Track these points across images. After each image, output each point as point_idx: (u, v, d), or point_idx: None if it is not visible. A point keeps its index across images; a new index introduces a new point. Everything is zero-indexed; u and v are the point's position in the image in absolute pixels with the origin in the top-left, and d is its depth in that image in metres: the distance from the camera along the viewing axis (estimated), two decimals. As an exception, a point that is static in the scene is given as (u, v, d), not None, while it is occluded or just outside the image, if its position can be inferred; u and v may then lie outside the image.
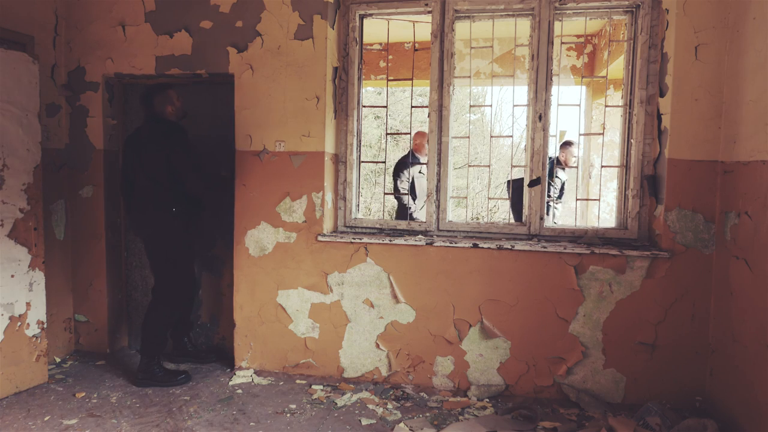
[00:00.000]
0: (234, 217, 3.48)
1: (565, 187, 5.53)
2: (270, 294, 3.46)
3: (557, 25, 3.27)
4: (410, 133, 3.89)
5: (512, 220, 3.47)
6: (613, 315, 3.07)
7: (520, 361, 3.19)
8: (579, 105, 3.50)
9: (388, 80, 3.74)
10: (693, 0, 2.90)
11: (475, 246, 3.19)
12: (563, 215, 5.75)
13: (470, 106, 4.32)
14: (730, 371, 2.76)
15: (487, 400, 3.13)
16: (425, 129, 4.71)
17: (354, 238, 3.32)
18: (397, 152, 11.40)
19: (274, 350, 3.47)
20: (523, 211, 3.37)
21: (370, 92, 11.92)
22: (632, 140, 3.19)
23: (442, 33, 3.35)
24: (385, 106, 3.56)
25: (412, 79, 3.66)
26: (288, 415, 2.90)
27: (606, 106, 3.57)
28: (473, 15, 3.38)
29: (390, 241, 3.28)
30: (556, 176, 5.27)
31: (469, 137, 3.88)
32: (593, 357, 3.11)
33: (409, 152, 5.10)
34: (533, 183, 3.29)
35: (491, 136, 7.53)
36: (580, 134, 3.96)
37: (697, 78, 2.93)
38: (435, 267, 3.26)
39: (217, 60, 3.46)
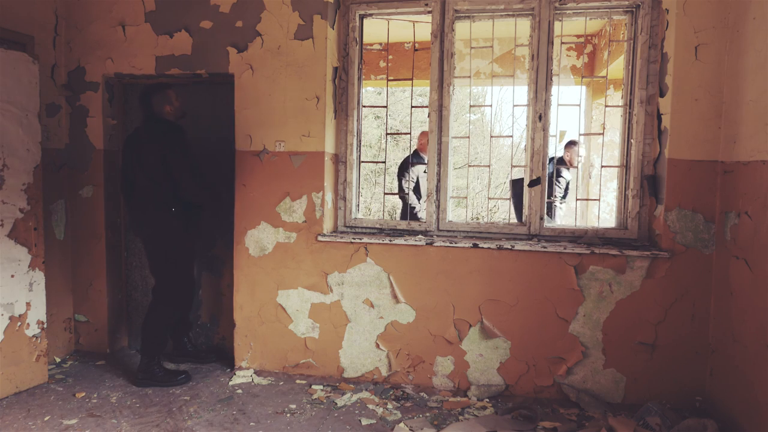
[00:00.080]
0: (234, 217, 3.48)
1: (570, 186, 5.52)
2: (270, 294, 3.46)
3: (557, 25, 3.27)
4: (410, 133, 3.88)
5: (513, 220, 3.47)
6: (613, 315, 3.07)
7: (520, 361, 3.19)
8: (579, 105, 3.50)
9: (388, 80, 3.74)
10: (693, 0, 2.91)
11: (475, 246, 3.19)
12: (564, 215, 5.74)
13: (470, 106, 4.33)
14: (730, 371, 2.76)
15: (487, 400, 3.13)
16: (425, 129, 4.70)
17: (354, 238, 3.32)
18: (397, 152, 11.40)
19: (274, 350, 3.47)
20: (523, 211, 3.38)
21: (370, 92, 11.91)
22: (632, 140, 3.19)
23: (442, 33, 3.35)
24: (385, 106, 3.56)
25: (412, 79, 3.67)
26: (288, 415, 2.90)
27: (606, 106, 3.57)
28: (473, 15, 3.38)
29: (390, 241, 3.28)
30: (561, 176, 5.26)
31: (469, 137, 3.88)
32: (593, 357, 3.11)
33: (413, 152, 5.10)
34: (533, 183, 3.29)
35: (491, 136, 7.54)
36: (580, 134, 3.96)
37: (697, 78, 2.93)
38: (435, 267, 3.26)
39: (217, 60, 3.46)
